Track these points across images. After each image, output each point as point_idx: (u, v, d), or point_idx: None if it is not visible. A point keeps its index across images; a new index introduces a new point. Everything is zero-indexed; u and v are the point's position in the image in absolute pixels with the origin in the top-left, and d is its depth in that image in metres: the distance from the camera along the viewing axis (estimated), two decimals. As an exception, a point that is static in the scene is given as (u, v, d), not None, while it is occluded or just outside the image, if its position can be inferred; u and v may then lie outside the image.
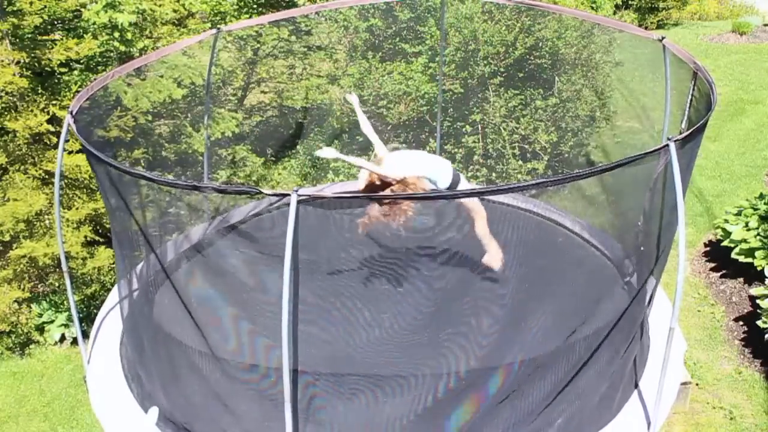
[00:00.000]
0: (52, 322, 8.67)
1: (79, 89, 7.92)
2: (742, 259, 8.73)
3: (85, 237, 8.12)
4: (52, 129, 7.95)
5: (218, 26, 6.99)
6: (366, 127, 5.82)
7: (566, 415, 4.90)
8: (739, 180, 11.24)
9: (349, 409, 4.88)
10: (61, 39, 8.39)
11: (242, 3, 11.55)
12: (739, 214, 9.19)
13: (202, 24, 10.72)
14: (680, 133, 4.58)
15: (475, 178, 9.95)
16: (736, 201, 10.11)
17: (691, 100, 5.73)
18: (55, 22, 8.95)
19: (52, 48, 8.04)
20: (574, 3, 12.03)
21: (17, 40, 7.96)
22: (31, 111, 7.89)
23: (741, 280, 8.89)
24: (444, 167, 5.59)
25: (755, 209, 8.99)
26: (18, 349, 8.63)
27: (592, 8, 14.28)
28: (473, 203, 5.58)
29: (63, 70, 8.55)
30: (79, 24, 8.86)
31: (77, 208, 8.15)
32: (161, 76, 8.58)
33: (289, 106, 10.87)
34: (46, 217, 8.23)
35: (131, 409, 5.22)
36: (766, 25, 17.87)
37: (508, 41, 9.53)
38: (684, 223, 4.39)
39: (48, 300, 8.71)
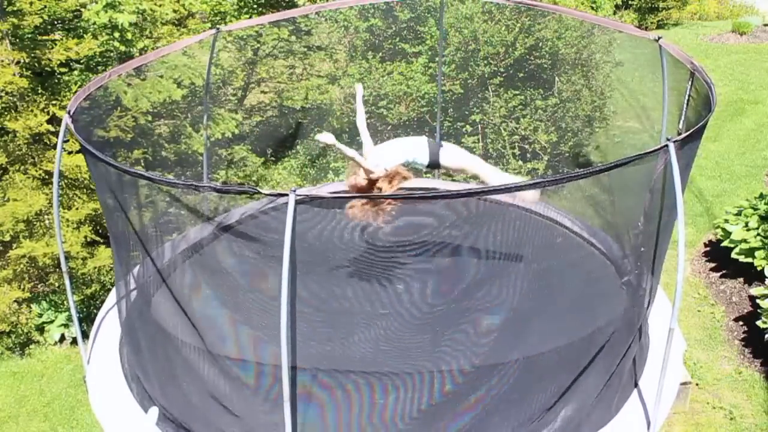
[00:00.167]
0: (52, 322, 8.68)
1: (79, 89, 7.93)
2: (742, 259, 8.73)
3: (85, 237, 8.12)
4: (52, 129, 7.95)
5: (218, 26, 6.99)
6: (360, 119, 5.88)
7: (566, 414, 4.89)
8: (739, 180, 11.23)
9: (348, 409, 4.88)
10: (61, 39, 8.39)
11: (242, 3, 11.56)
12: (739, 214, 9.18)
13: (202, 24, 10.73)
14: (678, 134, 4.58)
15: (475, 178, 9.93)
16: (736, 201, 10.11)
17: (689, 101, 5.73)
18: (55, 22, 8.96)
19: (52, 48, 8.04)
20: (574, 3, 12.04)
21: (17, 40, 7.97)
22: (31, 111, 7.90)
23: (741, 280, 8.88)
24: (419, 146, 5.67)
25: (755, 209, 8.99)
26: (18, 349, 8.64)
27: (592, 8, 14.29)
28: (460, 160, 5.66)
29: (63, 70, 8.56)
30: (79, 24, 8.87)
31: (77, 208, 8.16)
32: (161, 76, 8.58)
33: (289, 106, 10.87)
34: (45, 217, 8.23)
35: (131, 409, 5.22)
36: (766, 25, 17.87)
37: (508, 41, 9.53)
38: (684, 223, 4.39)
39: (48, 300, 8.72)
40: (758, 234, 8.70)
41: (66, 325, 8.64)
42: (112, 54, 8.91)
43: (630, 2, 18.43)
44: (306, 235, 4.29)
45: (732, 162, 11.75)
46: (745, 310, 8.48)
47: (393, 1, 9.65)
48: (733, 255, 8.81)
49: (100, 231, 8.46)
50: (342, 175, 10.08)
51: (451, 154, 5.74)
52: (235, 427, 4.85)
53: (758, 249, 8.58)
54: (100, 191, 5.52)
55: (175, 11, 9.48)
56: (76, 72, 8.77)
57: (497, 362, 4.98)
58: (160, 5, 9.06)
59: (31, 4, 7.75)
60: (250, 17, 11.10)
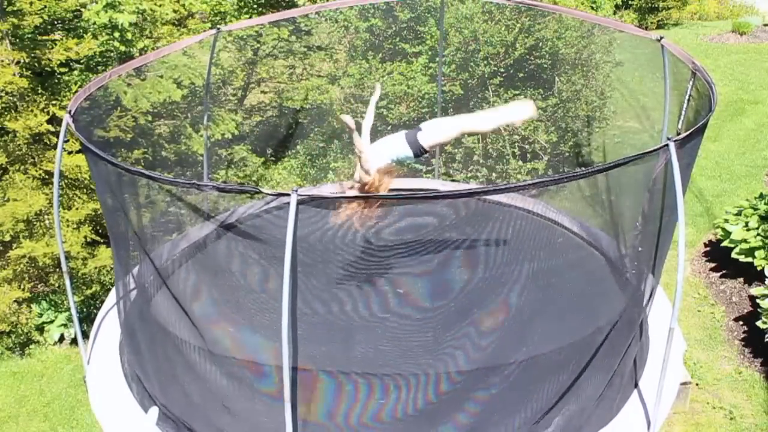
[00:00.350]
0: (52, 322, 8.68)
1: (79, 89, 7.93)
2: (742, 259, 8.73)
3: (85, 237, 8.12)
4: (52, 129, 7.95)
5: (218, 26, 6.99)
6: (368, 120, 5.71)
7: (566, 415, 4.89)
8: (739, 180, 11.24)
9: (348, 409, 4.88)
10: (61, 39, 8.39)
11: (242, 3, 11.56)
12: (739, 214, 9.19)
13: (202, 24, 10.73)
14: (678, 134, 4.58)
15: (475, 179, 9.95)
16: (736, 201, 10.11)
17: (689, 100, 5.73)
18: (55, 22, 8.96)
19: (52, 48, 8.04)
20: (574, 3, 12.04)
21: (17, 40, 7.97)
22: (31, 111, 7.90)
23: (741, 280, 8.89)
24: (397, 143, 5.49)
25: (755, 209, 8.99)
26: (18, 349, 8.64)
27: (592, 8, 14.28)
28: (443, 133, 5.46)
29: (63, 70, 8.56)
30: (79, 24, 8.87)
31: (77, 208, 8.16)
32: (161, 76, 8.58)
33: (289, 106, 10.86)
34: (45, 217, 8.23)
35: (131, 409, 5.22)
36: (766, 25, 17.87)
37: (508, 41, 9.53)
38: (684, 223, 4.39)
39: (48, 300, 8.72)
40: (758, 234, 8.70)
41: (66, 325, 8.64)
42: (112, 54, 8.91)
43: (630, 2, 18.44)
44: (307, 235, 4.29)
45: (732, 162, 11.75)
46: (745, 310, 8.48)
47: (393, 1, 9.64)
48: (733, 255, 8.81)
49: (100, 231, 8.46)
50: (342, 176, 10.08)
51: (432, 133, 5.49)
52: (235, 427, 4.85)
53: (758, 249, 8.58)
54: (101, 191, 5.51)
55: (175, 11, 9.48)
56: (76, 72, 8.77)
57: (498, 362, 4.98)
58: (160, 5, 9.06)
59: (31, 4, 7.75)
60: (250, 17, 11.10)
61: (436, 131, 5.49)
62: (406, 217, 4.87)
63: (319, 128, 10.94)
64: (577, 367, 4.89)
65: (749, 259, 8.66)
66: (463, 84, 9.78)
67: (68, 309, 8.56)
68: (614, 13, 16.21)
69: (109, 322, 6.09)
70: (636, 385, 5.19)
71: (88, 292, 8.36)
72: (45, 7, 8.03)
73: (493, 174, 9.93)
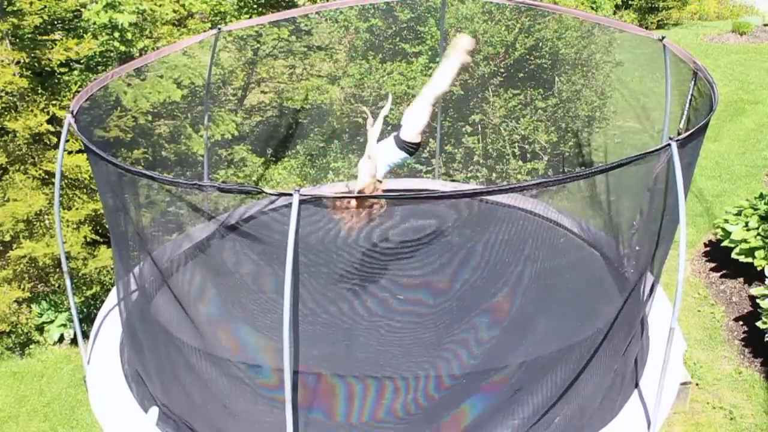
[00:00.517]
0: (52, 322, 8.67)
1: (79, 89, 7.92)
2: (742, 259, 8.73)
3: (85, 237, 8.11)
4: (52, 129, 7.94)
5: (218, 26, 6.99)
6: (376, 130, 5.71)
7: (566, 415, 4.90)
8: (739, 180, 11.24)
9: (348, 409, 4.88)
10: (61, 39, 8.38)
11: (242, 3, 11.55)
12: (739, 214, 9.19)
13: (202, 24, 10.72)
14: (679, 133, 4.58)
15: (475, 179, 9.95)
16: (736, 201, 10.11)
17: (691, 100, 5.73)
18: (55, 22, 8.95)
19: (52, 48, 8.03)
20: (574, 3, 12.04)
21: (17, 40, 7.96)
22: (31, 111, 7.89)
23: (741, 280, 8.89)
24: (387, 148, 5.51)
25: (755, 209, 8.99)
26: (18, 349, 8.63)
27: (592, 8, 14.28)
28: (414, 122, 5.47)
29: (63, 70, 8.55)
30: (79, 24, 8.86)
31: (77, 209, 8.15)
32: (161, 77, 8.57)
33: (289, 106, 10.86)
34: (46, 217, 8.22)
35: (131, 409, 5.22)
36: (766, 25, 17.87)
37: (508, 42, 9.53)
38: (684, 223, 4.39)
39: (48, 300, 8.71)
40: (758, 234, 8.70)
41: (66, 325, 8.64)
42: (112, 54, 8.90)
43: (630, 2, 18.44)
44: (308, 235, 4.29)
45: (732, 162, 11.76)
46: (745, 310, 8.48)
47: (393, 1, 9.64)
48: (733, 255, 8.81)
49: (100, 231, 8.46)
50: (342, 176, 10.08)
51: (409, 124, 5.52)
52: (236, 428, 4.85)
53: (758, 249, 8.59)
54: (102, 191, 5.51)
55: (175, 11, 9.47)
56: (76, 72, 8.76)
57: (498, 363, 4.99)
58: (160, 5, 9.05)
59: (31, 4, 7.74)
60: (250, 17, 11.09)
61: (410, 119, 5.52)
62: (407, 218, 4.87)
63: (319, 128, 10.93)
64: (577, 367, 4.90)
65: (749, 259, 8.66)
66: (463, 84, 9.78)
67: (68, 309, 8.55)
68: (614, 13, 16.21)
69: (109, 322, 6.09)
70: (636, 385, 5.20)
71: (89, 292, 8.35)
72: (45, 7, 8.02)
73: (494, 174, 9.93)
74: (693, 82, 5.69)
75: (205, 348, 4.90)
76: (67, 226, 8.04)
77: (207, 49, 7.61)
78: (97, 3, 8.59)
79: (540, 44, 9.67)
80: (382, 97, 10.11)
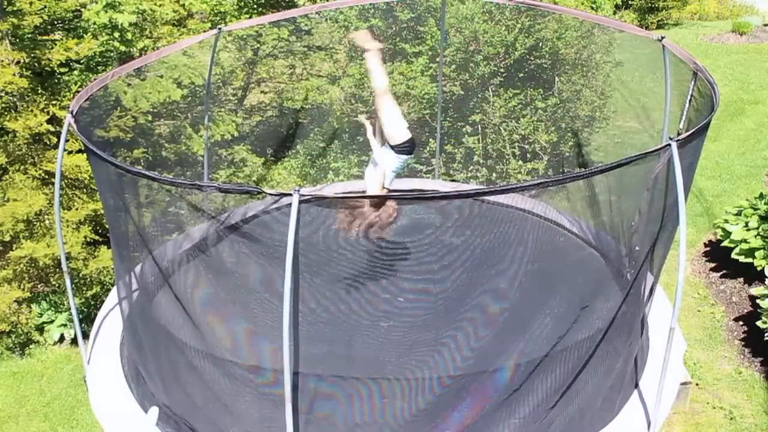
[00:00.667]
0: (52, 322, 8.67)
1: (79, 89, 7.92)
2: (742, 259, 8.74)
3: (85, 237, 8.11)
4: (51, 129, 7.94)
5: (218, 26, 6.99)
6: (374, 145, 5.88)
7: (566, 415, 4.90)
8: (739, 180, 11.24)
9: (348, 409, 4.88)
10: (61, 39, 8.38)
11: (242, 3, 11.54)
12: (739, 214, 9.19)
13: (202, 24, 10.71)
14: (679, 134, 4.58)
15: (475, 179, 9.94)
16: (736, 201, 10.12)
17: (691, 100, 5.73)
18: (55, 22, 8.95)
19: (52, 48, 8.03)
20: (574, 3, 12.04)
21: (17, 40, 7.96)
22: (31, 111, 7.89)
23: (741, 280, 8.89)
24: (387, 156, 5.71)
25: (755, 209, 8.99)
26: (18, 349, 8.63)
27: (592, 8, 14.29)
28: (384, 123, 5.69)
29: (63, 70, 8.55)
30: (79, 24, 8.86)
31: (77, 209, 8.15)
32: (161, 76, 8.57)
33: (289, 106, 10.86)
34: (46, 217, 8.22)
35: (131, 409, 5.22)
36: (766, 25, 17.88)
37: (508, 42, 9.53)
38: (685, 223, 4.39)
39: (48, 300, 8.71)
40: (758, 234, 8.70)
41: (66, 325, 8.64)
42: (112, 54, 8.90)
43: (630, 2, 18.44)
44: (308, 235, 4.29)
45: (732, 162, 11.76)
46: (745, 310, 8.49)
47: (393, 1, 9.64)
48: (733, 255, 8.82)
49: (100, 231, 8.46)
50: (342, 176, 10.09)
51: (388, 135, 5.73)
52: (236, 428, 4.85)
53: (758, 249, 8.59)
54: (102, 191, 5.51)
55: (175, 11, 9.46)
56: (76, 72, 8.76)
57: (498, 363, 4.98)
58: (160, 5, 9.05)
59: (31, 4, 7.74)
60: (250, 17, 11.09)
61: (385, 127, 5.74)
62: (407, 218, 4.88)
63: (319, 128, 10.94)
64: (577, 367, 4.89)
65: (749, 259, 8.66)
66: (463, 84, 9.78)
67: (68, 309, 8.55)
68: (614, 13, 16.21)
69: (109, 322, 6.09)
70: (636, 385, 5.19)
71: (89, 293, 8.35)
72: (45, 7, 8.02)
73: (494, 174, 9.93)
74: (693, 82, 5.69)
75: (206, 348, 4.90)
76: (67, 226, 8.04)
77: (207, 49, 7.61)
78: (97, 3, 8.59)
79: (540, 44, 9.67)
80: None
